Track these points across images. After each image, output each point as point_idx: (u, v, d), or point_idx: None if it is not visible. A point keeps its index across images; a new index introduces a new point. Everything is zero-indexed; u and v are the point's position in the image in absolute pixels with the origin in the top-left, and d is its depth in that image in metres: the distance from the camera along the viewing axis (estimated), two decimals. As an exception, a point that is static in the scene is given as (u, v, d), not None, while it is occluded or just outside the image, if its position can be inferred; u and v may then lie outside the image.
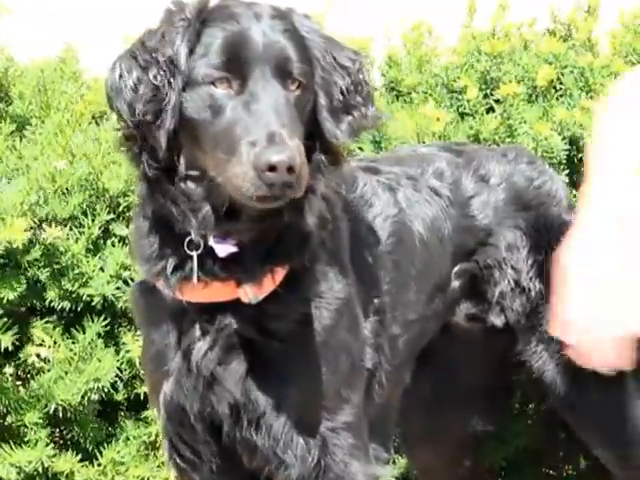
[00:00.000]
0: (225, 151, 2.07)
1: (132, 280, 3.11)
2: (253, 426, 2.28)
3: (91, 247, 3.17)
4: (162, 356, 2.32)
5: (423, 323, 2.56)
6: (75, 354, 3.12)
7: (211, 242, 2.18)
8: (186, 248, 2.20)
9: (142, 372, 2.52)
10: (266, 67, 2.12)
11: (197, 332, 2.27)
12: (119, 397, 3.19)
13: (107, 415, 3.23)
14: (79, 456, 3.14)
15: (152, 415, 3.16)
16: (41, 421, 3.10)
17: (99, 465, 3.15)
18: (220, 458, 2.37)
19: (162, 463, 3.15)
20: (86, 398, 3.09)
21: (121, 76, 2.14)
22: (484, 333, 2.74)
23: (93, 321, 3.14)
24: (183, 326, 2.28)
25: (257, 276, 2.20)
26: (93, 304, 3.13)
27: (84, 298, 3.12)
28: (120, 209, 3.21)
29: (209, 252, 2.19)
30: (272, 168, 2.01)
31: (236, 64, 2.12)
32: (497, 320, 2.68)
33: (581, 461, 3.49)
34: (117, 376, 3.14)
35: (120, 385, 3.17)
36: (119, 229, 3.19)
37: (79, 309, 3.15)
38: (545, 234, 2.67)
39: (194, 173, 2.16)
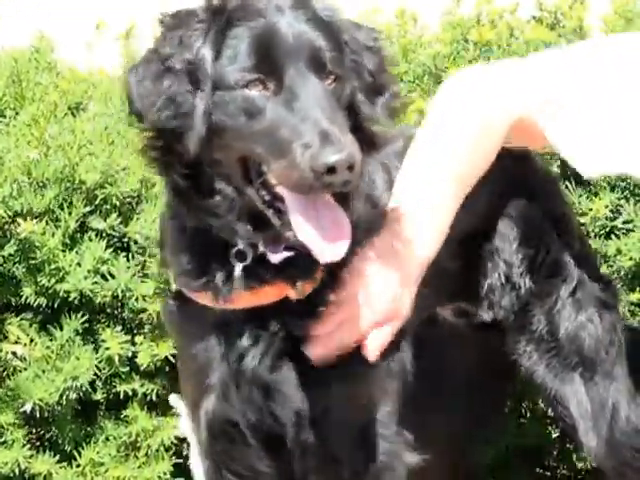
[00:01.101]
0: (273, 155, 1.99)
1: (111, 275, 3.04)
2: (313, 428, 2.22)
3: (67, 241, 3.08)
4: (204, 371, 2.23)
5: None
6: (52, 352, 3.03)
7: (262, 249, 2.11)
8: (233, 258, 2.12)
9: (182, 391, 2.42)
10: (300, 62, 2.03)
11: (247, 340, 2.18)
12: (98, 396, 3.10)
13: (85, 415, 3.14)
14: (57, 457, 3.06)
15: (132, 414, 3.09)
16: (17, 421, 3.02)
17: (78, 466, 3.06)
18: (275, 470, 2.28)
19: (143, 463, 3.07)
20: (64, 397, 3.01)
21: (137, 86, 2.06)
22: (473, 329, 2.68)
23: (71, 318, 3.06)
24: (229, 337, 2.19)
25: (312, 272, 2.14)
26: (70, 300, 3.04)
27: (61, 294, 3.03)
28: (97, 202, 3.12)
29: (257, 258, 2.12)
30: (331, 169, 1.93)
31: (269, 63, 2.03)
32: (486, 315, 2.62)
33: (575, 462, 3.43)
34: (95, 374, 3.05)
35: (99, 384, 3.08)
36: (96, 222, 3.10)
37: (56, 305, 3.06)
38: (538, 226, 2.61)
39: (232, 181, 2.07)
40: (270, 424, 2.22)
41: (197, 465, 2.42)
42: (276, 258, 2.11)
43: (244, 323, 2.17)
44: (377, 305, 2.26)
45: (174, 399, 2.55)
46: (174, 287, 2.27)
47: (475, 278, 2.60)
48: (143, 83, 2.05)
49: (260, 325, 2.17)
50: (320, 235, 2.02)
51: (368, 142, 2.13)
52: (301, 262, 2.11)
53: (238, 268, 2.12)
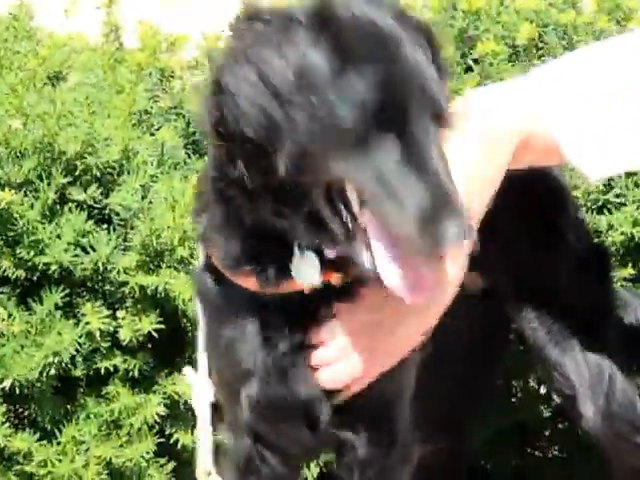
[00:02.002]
0: (378, 195, 1.88)
1: (91, 247, 2.96)
2: (353, 405, 2.19)
3: (47, 213, 2.99)
4: (242, 353, 2.16)
5: None
6: (32, 327, 2.94)
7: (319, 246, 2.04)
8: (295, 249, 2.04)
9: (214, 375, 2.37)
10: (424, 111, 1.88)
11: (287, 323, 2.13)
12: (78, 372, 3.01)
13: (66, 392, 3.05)
14: (37, 435, 2.97)
15: (113, 391, 3.01)
16: (-4, 398, 2.93)
17: (58, 444, 2.97)
18: (320, 444, 2.28)
19: (125, 442, 2.99)
20: (44, 373, 2.92)
21: (226, 94, 1.89)
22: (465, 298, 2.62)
23: (51, 291, 2.97)
24: (270, 319, 2.13)
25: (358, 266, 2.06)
26: (50, 273, 2.95)
27: (40, 267, 2.94)
28: (77, 172, 3.02)
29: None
30: (447, 241, 1.86)
31: (393, 108, 1.86)
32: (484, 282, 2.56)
33: (568, 442, 3.39)
34: (76, 350, 2.96)
35: (79, 359, 2.99)
36: (76, 193, 3.01)
37: (35, 279, 2.98)
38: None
39: (310, 196, 1.95)
40: (313, 403, 2.17)
41: (204, 440, 2.38)
42: (332, 254, 2.05)
43: (285, 307, 2.11)
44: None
45: (188, 371, 2.48)
46: (207, 261, 2.19)
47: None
48: (238, 94, 1.88)
49: (299, 309, 2.11)
50: (403, 279, 1.93)
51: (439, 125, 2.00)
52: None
53: (297, 256, 2.04)
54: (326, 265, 2.07)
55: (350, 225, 1.94)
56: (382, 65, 1.86)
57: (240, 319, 2.15)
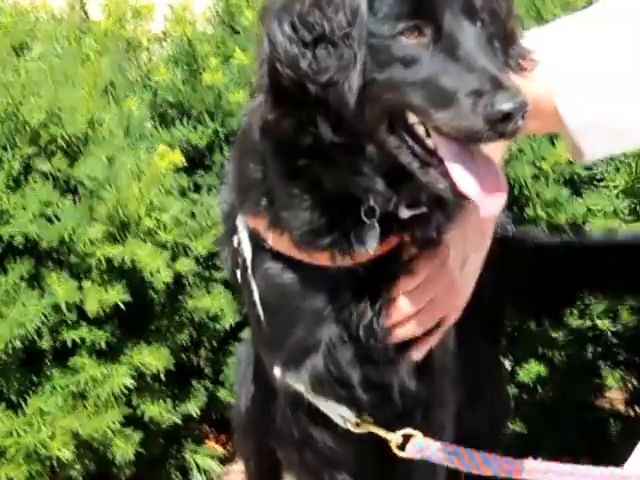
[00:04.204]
0: (434, 105, 1.87)
1: (57, 218, 2.93)
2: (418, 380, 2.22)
3: (12, 184, 2.97)
4: (309, 328, 2.15)
5: None
6: (-4, 298, 2.92)
7: (392, 206, 2.02)
8: (364, 216, 2.03)
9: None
10: (455, 6, 1.89)
11: (356, 296, 2.12)
12: (44, 344, 2.99)
13: (31, 363, 3.03)
14: (2, 406, 2.95)
15: (79, 363, 2.99)
16: (-39, 371, 2.91)
17: (24, 415, 2.96)
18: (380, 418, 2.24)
19: (91, 413, 2.98)
20: (9, 345, 2.90)
21: (281, 32, 1.89)
22: None
23: (16, 262, 2.94)
24: (343, 293, 2.12)
25: (430, 230, 2.09)
26: (15, 244, 2.93)
27: (5, 238, 2.92)
28: (42, 143, 3.00)
29: (384, 214, 2.04)
30: (508, 116, 1.82)
31: (425, 9, 1.88)
32: None
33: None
34: (42, 322, 2.94)
35: (45, 331, 2.97)
36: (41, 164, 2.99)
37: (0, 250, 2.95)
38: None
39: (374, 135, 1.95)
40: (377, 379, 2.18)
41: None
42: (406, 213, 2.04)
43: (355, 282, 2.11)
44: (468, 289, 2.22)
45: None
46: (273, 246, 2.15)
47: None
48: (288, 29, 1.89)
49: (373, 279, 2.11)
50: (480, 187, 1.91)
51: None
52: (423, 218, 2.06)
53: (373, 224, 2.03)
54: (393, 231, 2.07)
55: (420, 152, 1.94)
56: None
57: (307, 296, 2.13)
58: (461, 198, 1.93)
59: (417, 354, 2.20)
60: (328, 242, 2.07)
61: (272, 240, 2.13)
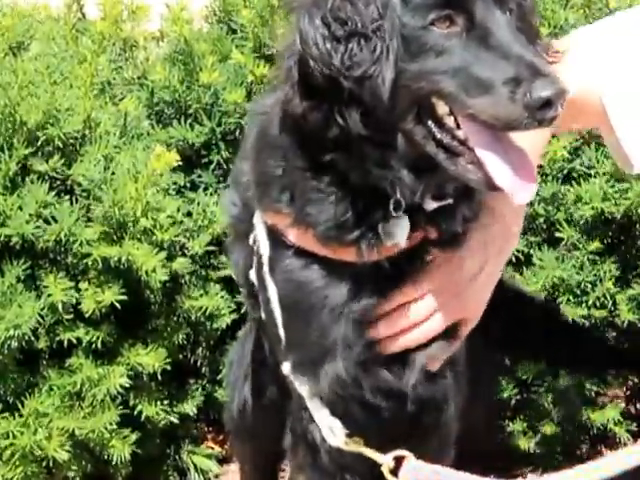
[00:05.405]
0: (470, 93, 1.87)
1: (53, 219, 2.93)
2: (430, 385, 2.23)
3: (8, 184, 2.96)
4: (328, 330, 2.14)
5: None
6: (-7, 299, 2.92)
7: (418, 198, 2.02)
8: (392, 210, 2.03)
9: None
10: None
11: (377, 292, 2.12)
12: (41, 345, 2.99)
13: (28, 364, 3.02)
14: (-1, 407, 2.95)
15: (76, 363, 2.99)
16: (-43, 372, 2.91)
17: (21, 416, 2.95)
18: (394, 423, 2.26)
19: (88, 414, 2.97)
20: (6, 346, 2.89)
21: (311, 26, 1.91)
22: None
23: (12, 264, 2.94)
24: (365, 289, 2.12)
25: (454, 222, 2.10)
26: (12, 245, 2.92)
27: (2, 239, 2.91)
28: (39, 143, 2.99)
29: (410, 207, 2.04)
30: (548, 103, 1.82)
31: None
32: None
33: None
34: (38, 322, 2.94)
35: (42, 332, 2.97)
36: (38, 164, 2.98)
37: (-4, 251, 2.96)
38: None
39: (401, 125, 1.96)
40: (394, 383, 2.18)
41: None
42: (432, 205, 2.04)
43: (378, 277, 2.11)
44: (486, 294, 2.23)
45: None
46: (295, 242, 2.14)
47: None
48: (319, 25, 1.90)
49: (397, 276, 2.12)
50: (513, 176, 1.92)
51: None
52: (447, 210, 2.07)
53: (402, 216, 2.04)
54: (419, 224, 2.07)
55: (449, 143, 1.95)
56: None
57: (328, 294, 2.12)
58: (493, 188, 1.93)
59: (434, 364, 2.20)
60: (355, 236, 2.06)
61: (295, 236, 2.12)
